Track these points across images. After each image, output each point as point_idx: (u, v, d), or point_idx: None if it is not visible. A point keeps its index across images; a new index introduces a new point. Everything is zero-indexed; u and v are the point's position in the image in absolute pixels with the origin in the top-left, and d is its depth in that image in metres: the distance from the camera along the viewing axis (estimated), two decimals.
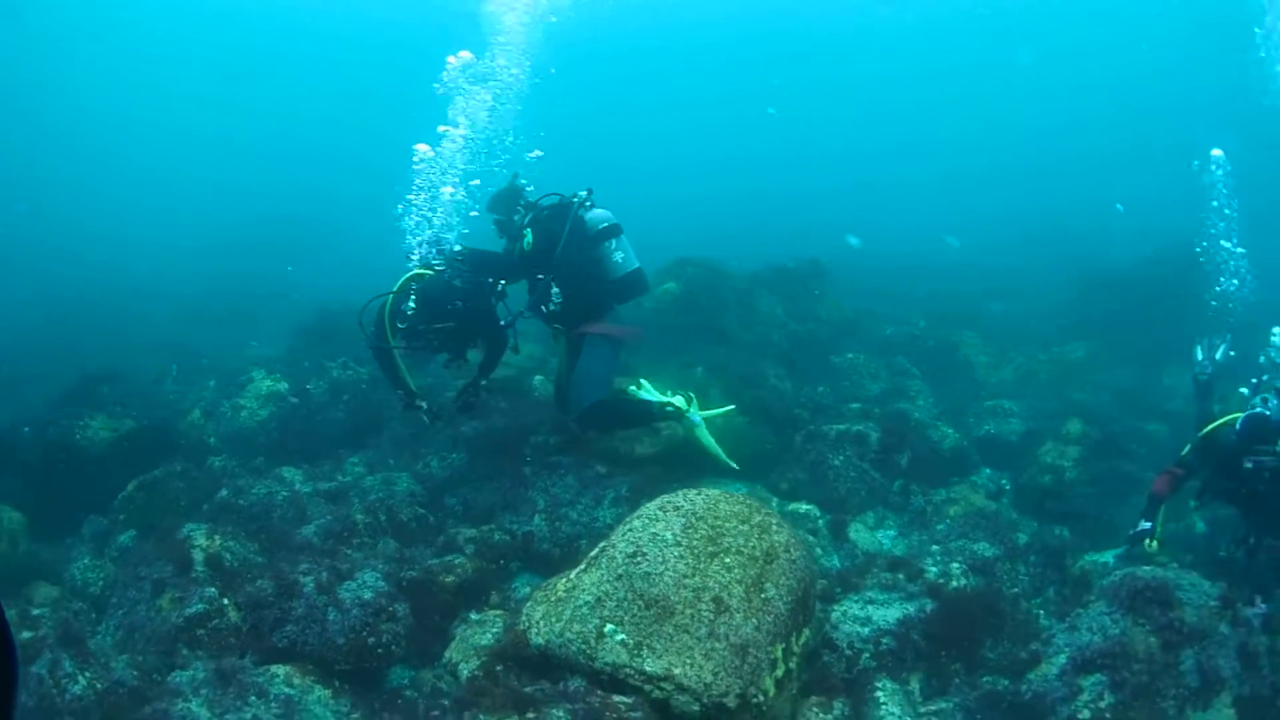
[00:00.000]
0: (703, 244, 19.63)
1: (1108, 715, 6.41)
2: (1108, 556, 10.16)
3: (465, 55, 11.46)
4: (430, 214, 10.19)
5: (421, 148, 10.48)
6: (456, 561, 8.37)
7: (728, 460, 9.85)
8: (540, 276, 9.73)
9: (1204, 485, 8.66)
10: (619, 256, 9.75)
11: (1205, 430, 8.69)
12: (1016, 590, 8.46)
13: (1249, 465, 7.97)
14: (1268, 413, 8.04)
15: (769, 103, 53.59)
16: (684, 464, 10.20)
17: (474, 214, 10.50)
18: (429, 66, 11.51)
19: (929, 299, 21.17)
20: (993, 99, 54.59)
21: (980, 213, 37.79)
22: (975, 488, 11.27)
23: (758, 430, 11.40)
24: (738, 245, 21.98)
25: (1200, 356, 10.10)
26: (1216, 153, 12.51)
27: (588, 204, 9.83)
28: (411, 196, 10.23)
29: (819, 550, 9.44)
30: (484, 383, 10.47)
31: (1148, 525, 8.70)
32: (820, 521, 10.07)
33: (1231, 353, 10.21)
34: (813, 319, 16.38)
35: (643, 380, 10.22)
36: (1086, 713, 6.44)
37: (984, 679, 7.19)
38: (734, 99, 55.40)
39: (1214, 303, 11.50)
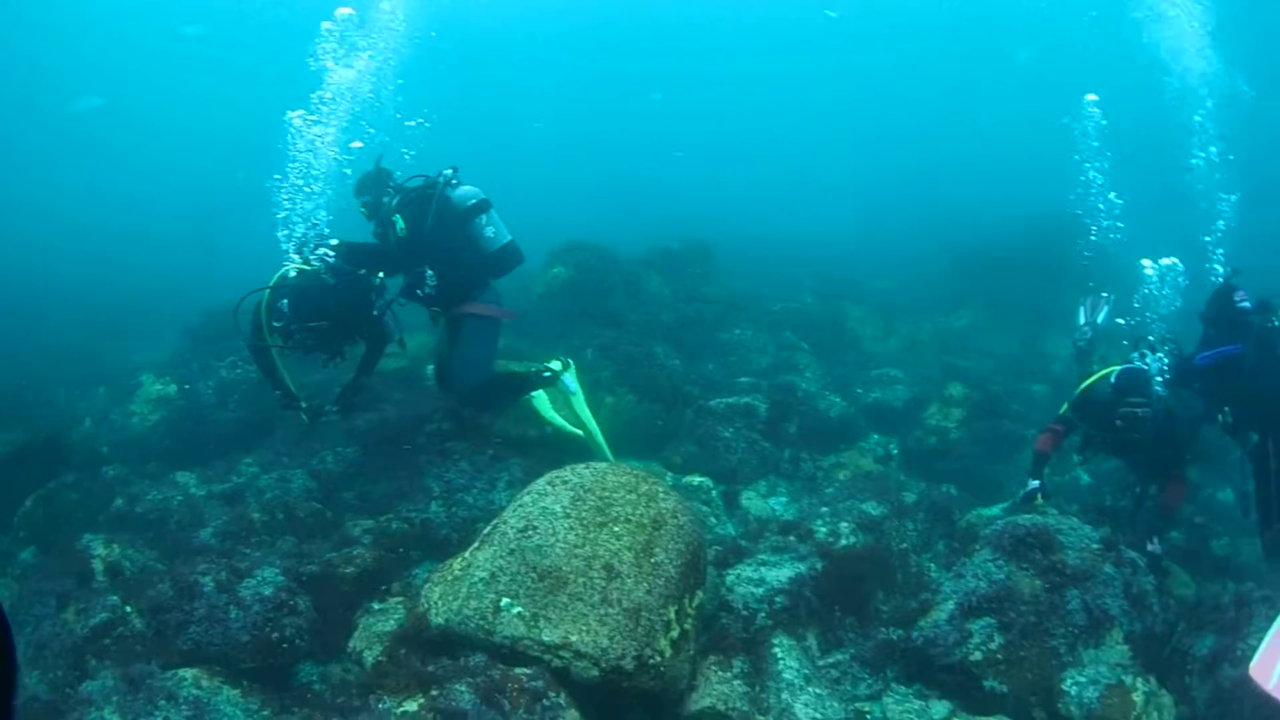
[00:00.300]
0: (594, 228, 19.76)
1: (999, 655, 6.63)
2: (995, 510, 10.48)
3: (345, 11, 11.28)
4: (304, 193, 9.97)
5: (297, 116, 10.29)
6: (355, 553, 8.27)
7: (602, 442, 9.97)
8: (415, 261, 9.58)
9: (1084, 439, 8.96)
10: (490, 231, 9.65)
11: (1082, 386, 8.98)
12: (905, 545, 8.68)
13: (1120, 417, 8.27)
14: (1143, 366, 8.37)
15: (656, 88, 53.80)
16: (575, 444, 10.29)
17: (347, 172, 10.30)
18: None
19: (817, 277, 21.48)
20: (877, 88, 55.45)
21: (864, 194, 38.37)
22: (864, 452, 11.67)
23: (649, 408, 11.58)
24: (628, 229, 22.12)
25: (1082, 320, 10.39)
26: (1091, 97, 12.76)
27: (454, 182, 9.69)
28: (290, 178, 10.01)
29: (713, 520, 9.57)
30: (363, 381, 10.20)
31: (1036, 484, 8.94)
32: (714, 492, 10.19)
33: (1118, 320, 10.43)
34: (701, 299, 16.55)
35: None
36: (978, 654, 6.65)
37: (879, 630, 7.38)
38: (624, 84, 55.49)
39: (1086, 253, 11.78)
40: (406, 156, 10.32)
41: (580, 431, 10.02)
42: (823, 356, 15.55)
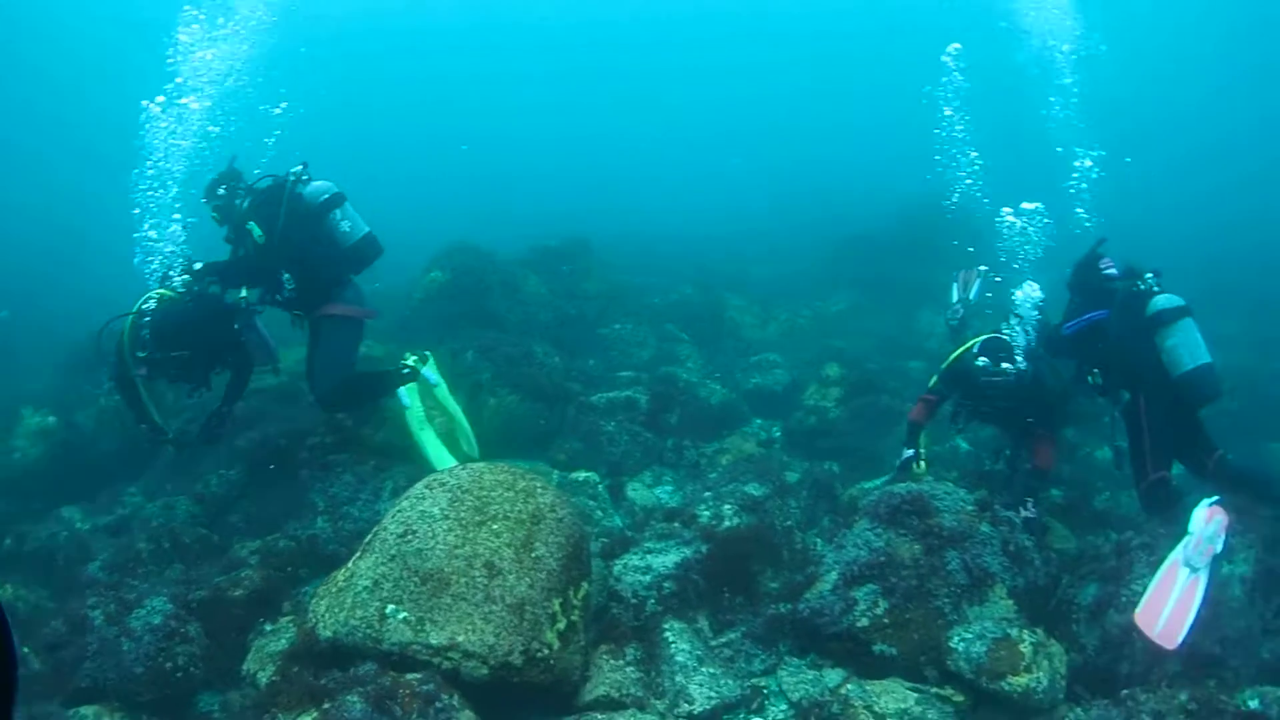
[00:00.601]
0: (476, 229, 19.74)
1: (885, 620, 6.81)
2: (876, 483, 10.70)
3: None
4: (160, 195, 9.61)
5: (156, 106, 9.89)
6: (243, 575, 8.10)
7: (438, 453, 9.72)
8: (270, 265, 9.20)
9: (955, 408, 9.24)
10: (346, 225, 9.30)
11: (950, 358, 9.24)
12: (790, 523, 8.78)
13: (985, 384, 8.57)
14: (1006, 337, 8.64)
15: (535, 86, 53.88)
16: (458, 448, 10.28)
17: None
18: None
19: (698, 269, 21.65)
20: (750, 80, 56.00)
21: (748, 186, 38.72)
22: (746, 437, 11.86)
23: (531, 407, 11.56)
24: (509, 228, 22.14)
25: (955, 297, 10.61)
26: (954, 46, 12.90)
27: (304, 178, 9.30)
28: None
29: (600, 513, 9.65)
30: (229, 410, 9.86)
31: (910, 453, 9.22)
32: (600, 486, 10.24)
33: (989, 294, 10.63)
34: (581, 295, 16.58)
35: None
36: (865, 620, 6.82)
37: (768, 607, 7.50)
38: (501, 82, 55.39)
39: (950, 209, 11.97)
40: (268, 141, 10.11)
41: (446, 453, 9.75)
42: (704, 346, 15.75)
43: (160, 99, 10.02)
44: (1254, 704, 5.91)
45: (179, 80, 10.38)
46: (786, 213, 30.03)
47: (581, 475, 10.42)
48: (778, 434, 12.54)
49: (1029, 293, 9.16)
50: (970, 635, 6.58)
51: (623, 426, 11.28)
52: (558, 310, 15.58)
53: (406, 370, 9.66)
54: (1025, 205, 9.87)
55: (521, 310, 15.06)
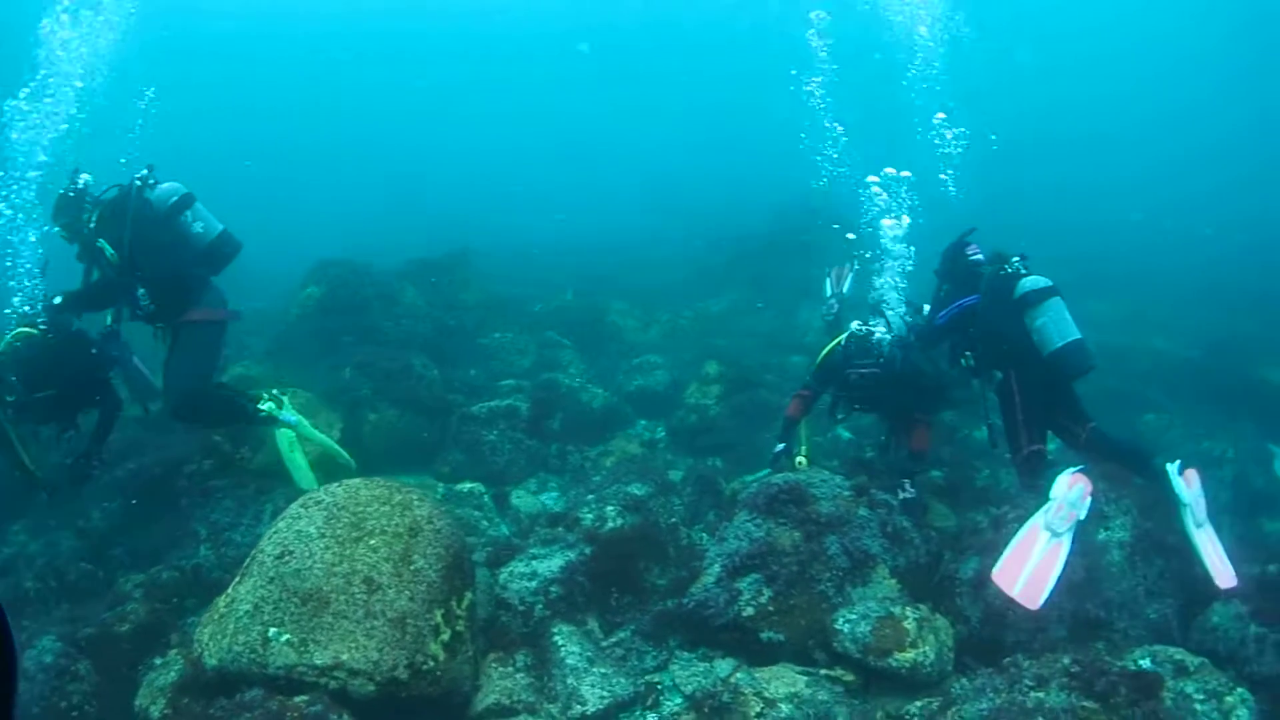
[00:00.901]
0: (353, 242, 19.66)
1: (770, 607, 6.95)
2: (758, 476, 10.88)
3: None
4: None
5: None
6: (129, 609, 7.85)
7: (308, 479, 9.31)
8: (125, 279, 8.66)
9: (833, 400, 9.42)
10: (199, 226, 8.86)
11: (822, 354, 9.43)
12: (674, 520, 8.84)
13: (853, 377, 8.81)
14: (871, 329, 8.87)
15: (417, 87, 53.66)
16: (341, 469, 10.16)
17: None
18: None
19: (580, 275, 21.74)
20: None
21: (621, 192, 38.99)
22: (630, 438, 11.96)
23: (412, 421, 11.51)
24: (387, 240, 22.05)
25: (829, 292, 10.77)
26: (818, 13, 12.98)
27: (151, 182, 8.77)
28: None
29: (485, 523, 9.63)
30: (99, 450, 9.38)
31: (781, 447, 9.35)
32: (486, 496, 10.19)
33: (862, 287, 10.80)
34: (460, 306, 16.52)
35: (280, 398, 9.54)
36: (750, 609, 6.94)
37: (657, 604, 7.58)
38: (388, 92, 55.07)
39: (819, 183, 12.12)
40: (131, 137, 9.76)
41: (311, 474, 9.38)
42: (586, 351, 15.75)
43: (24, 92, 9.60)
44: (1145, 663, 6.02)
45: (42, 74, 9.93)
46: (668, 218, 30.41)
47: (466, 486, 10.35)
48: (661, 434, 12.64)
49: (893, 230, 9.43)
50: (855, 616, 6.71)
51: (505, 435, 11.24)
52: (437, 322, 15.42)
53: (262, 416, 9.19)
54: (889, 171, 10.09)
55: (400, 323, 14.88)
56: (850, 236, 10.95)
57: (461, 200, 37.05)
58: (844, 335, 9.09)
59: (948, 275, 9.10)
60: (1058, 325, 7.92)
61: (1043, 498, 7.07)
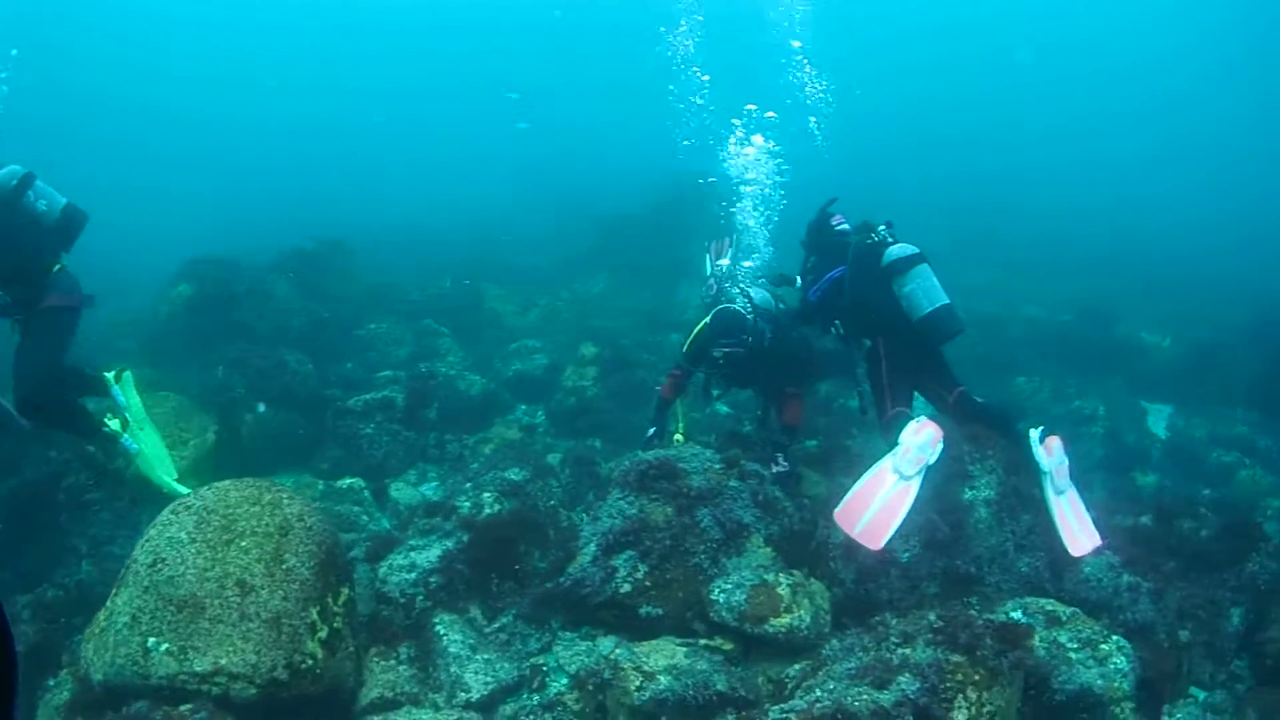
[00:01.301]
0: (224, 237, 19.33)
1: (647, 583, 6.96)
2: (648, 455, 10.94)
3: None
4: None
5: None
6: (19, 631, 7.85)
7: (174, 485, 8.90)
8: None
9: (706, 378, 9.51)
10: (43, 204, 8.39)
11: (693, 333, 9.42)
12: (553, 502, 8.87)
13: (718, 355, 8.82)
14: (736, 308, 8.87)
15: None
16: (218, 474, 9.94)
17: None
18: None
19: (460, 261, 21.63)
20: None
21: (512, 177, 38.82)
22: (509, 424, 12.00)
23: (288, 418, 11.34)
24: (260, 234, 21.67)
25: (709, 270, 10.77)
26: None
27: None
28: None
29: (365, 518, 9.54)
30: None
31: (652, 430, 9.43)
32: (365, 491, 10.12)
33: (745, 262, 10.74)
34: (335, 297, 16.33)
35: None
36: (627, 586, 6.95)
37: (538, 587, 7.53)
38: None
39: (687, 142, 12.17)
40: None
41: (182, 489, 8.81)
42: (464, 338, 15.72)
43: None
44: (1016, 615, 6.22)
45: None
46: (547, 202, 30.36)
47: (346, 482, 10.28)
48: (541, 418, 12.67)
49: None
50: (730, 586, 6.74)
51: (382, 428, 11.13)
52: (311, 315, 15.20)
53: (106, 431, 8.83)
54: (752, 106, 10.13)
55: (273, 318, 14.65)
56: (724, 204, 11.01)
57: (337, 189, 36.52)
58: (709, 314, 9.10)
59: (814, 247, 9.16)
60: (925, 291, 7.96)
61: (892, 443, 7.18)
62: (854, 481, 7.10)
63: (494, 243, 25.26)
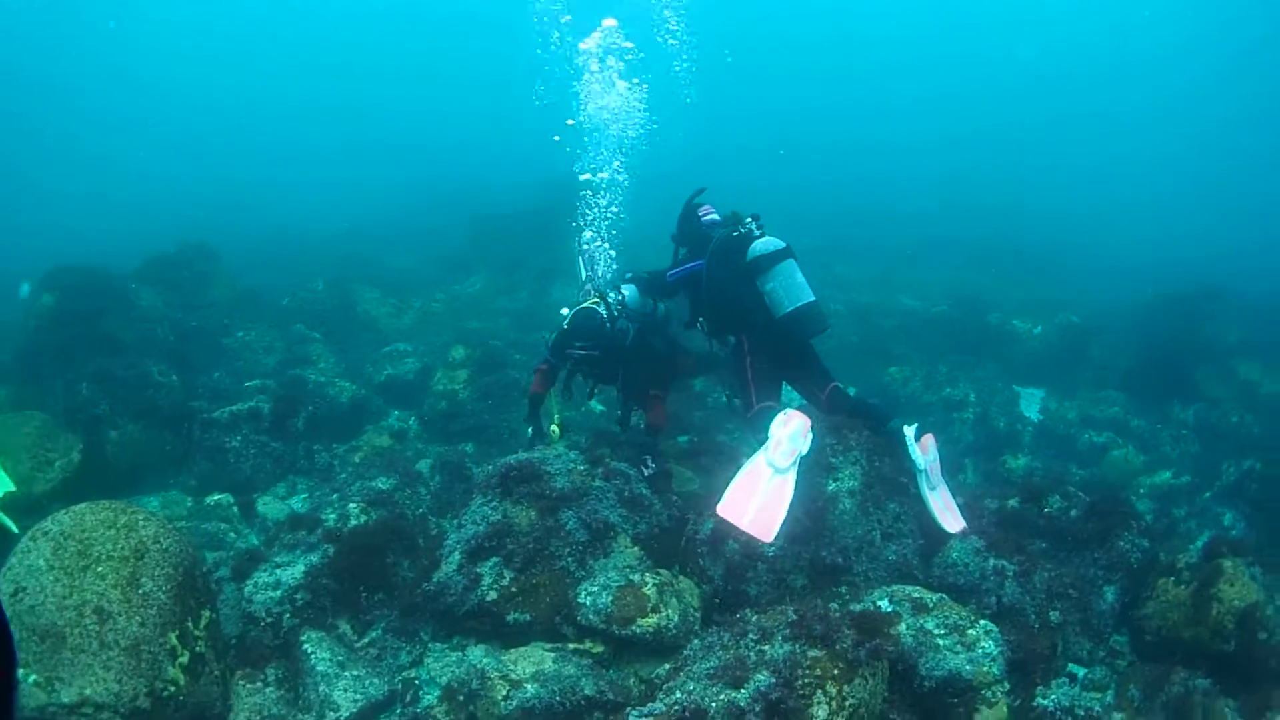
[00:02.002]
0: (87, 244, 18.87)
1: (513, 589, 6.94)
2: (510, 458, 10.93)
3: None
4: None
5: None
6: None
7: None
8: None
9: (568, 374, 9.46)
10: None
11: (557, 331, 9.33)
12: (422, 510, 8.90)
13: (575, 355, 8.88)
14: (595, 309, 8.89)
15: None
16: (84, 495, 9.68)
17: None
18: None
19: (334, 262, 21.35)
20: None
21: (375, 178, 38.45)
22: (381, 431, 11.85)
23: (154, 434, 11.10)
24: (125, 240, 21.22)
25: (583, 274, 10.74)
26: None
27: None
28: None
29: (233, 535, 9.40)
30: None
31: (531, 430, 9.38)
32: (234, 507, 9.97)
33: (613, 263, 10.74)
34: (203, 304, 16.06)
35: None
36: (493, 594, 6.93)
37: (408, 598, 7.46)
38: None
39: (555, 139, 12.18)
40: None
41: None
42: (337, 343, 15.54)
43: None
44: (883, 604, 6.23)
45: None
46: (427, 201, 30.16)
47: (214, 498, 10.10)
48: (414, 423, 12.56)
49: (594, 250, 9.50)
50: (596, 588, 6.78)
51: (249, 440, 10.94)
52: (177, 324, 14.85)
53: None
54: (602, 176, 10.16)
55: (139, 329, 14.20)
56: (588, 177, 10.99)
57: (206, 192, 35.77)
58: (568, 314, 9.11)
59: (684, 239, 9.11)
60: (789, 289, 7.97)
61: (763, 437, 7.18)
62: (731, 476, 7.10)
63: (369, 239, 25.10)
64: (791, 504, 6.83)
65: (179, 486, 10.80)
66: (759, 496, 6.84)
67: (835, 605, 6.27)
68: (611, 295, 9.21)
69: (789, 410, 7.26)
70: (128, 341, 13.70)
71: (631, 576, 6.83)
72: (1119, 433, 13.85)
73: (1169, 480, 12.31)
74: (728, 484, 7.06)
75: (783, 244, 8.19)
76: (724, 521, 6.85)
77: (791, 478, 6.91)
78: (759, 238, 8.28)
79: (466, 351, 12.96)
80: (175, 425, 11.34)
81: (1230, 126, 50.92)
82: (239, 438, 10.94)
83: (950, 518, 7.50)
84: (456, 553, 7.28)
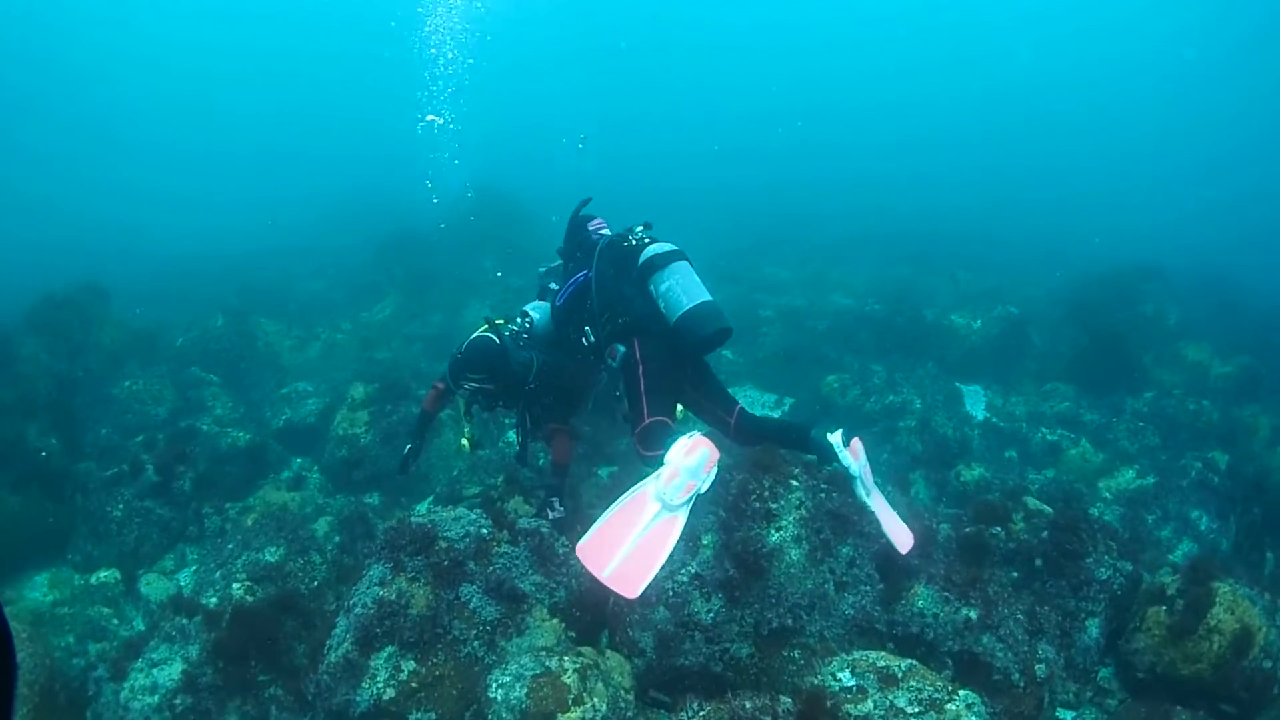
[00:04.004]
0: None
1: (414, 684, 5.88)
2: (423, 507, 10.03)
3: None
4: None
5: None
6: None
7: None
8: None
9: (467, 403, 8.65)
10: None
11: (454, 354, 8.45)
12: (317, 582, 7.99)
13: (469, 388, 8.07)
14: (490, 337, 8.08)
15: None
16: None
17: None
18: None
19: (236, 292, 20.36)
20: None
21: (280, 195, 37.49)
22: (279, 485, 10.78)
23: (35, 505, 10.03)
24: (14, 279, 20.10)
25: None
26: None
27: None
28: None
29: (116, 621, 8.55)
30: None
31: (409, 447, 8.54)
32: (119, 587, 9.08)
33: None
34: (91, 349, 14.98)
35: None
36: (391, 691, 5.85)
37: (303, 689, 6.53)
38: None
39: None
40: None
41: None
42: (236, 385, 14.52)
43: None
44: (844, 676, 5.22)
45: None
46: (333, 218, 29.29)
47: (100, 576, 9.21)
48: (315, 473, 11.52)
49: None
50: (508, 678, 5.55)
51: (132, 507, 9.90)
52: (59, 376, 13.54)
53: None
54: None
55: (17, 386, 12.82)
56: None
57: (94, 224, 34.40)
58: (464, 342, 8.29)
59: (571, 253, 8.25)
60: (684, 288, 7.06)
61: (652, 462, 6.14)
62: (604, 509, 5.97)
63: (274, 264, 24.14)
64: (723, 560, 5.95)
65: (68, 565, 9.81)
66: (632, 539, 5.68)
67: (786, 687, 5.48)
68: (516, 320, 8.41)
69: (695, 434, 6.14)
70: (4, 401, 12.44)
71: (548, 663, 5.60)
72: (1072, 428, 13.28)
73: (1134, 481, 11.63)
74: (598, 515, 5.97)
75: (674, 246, 7.37)
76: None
77: (680, 520, 5.78)
78: (651, 243, 7.43)
79: (367, 389, 11.83)
80: (57, 493, 10.30)
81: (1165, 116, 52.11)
82: (121, 505, 9.93)
83: (897, 533, 6.62)
84: (347, 642, 6.18)
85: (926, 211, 31.10)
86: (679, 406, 7.50)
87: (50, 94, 53.58)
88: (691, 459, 5.90)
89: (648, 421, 6.77)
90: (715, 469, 6.02)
